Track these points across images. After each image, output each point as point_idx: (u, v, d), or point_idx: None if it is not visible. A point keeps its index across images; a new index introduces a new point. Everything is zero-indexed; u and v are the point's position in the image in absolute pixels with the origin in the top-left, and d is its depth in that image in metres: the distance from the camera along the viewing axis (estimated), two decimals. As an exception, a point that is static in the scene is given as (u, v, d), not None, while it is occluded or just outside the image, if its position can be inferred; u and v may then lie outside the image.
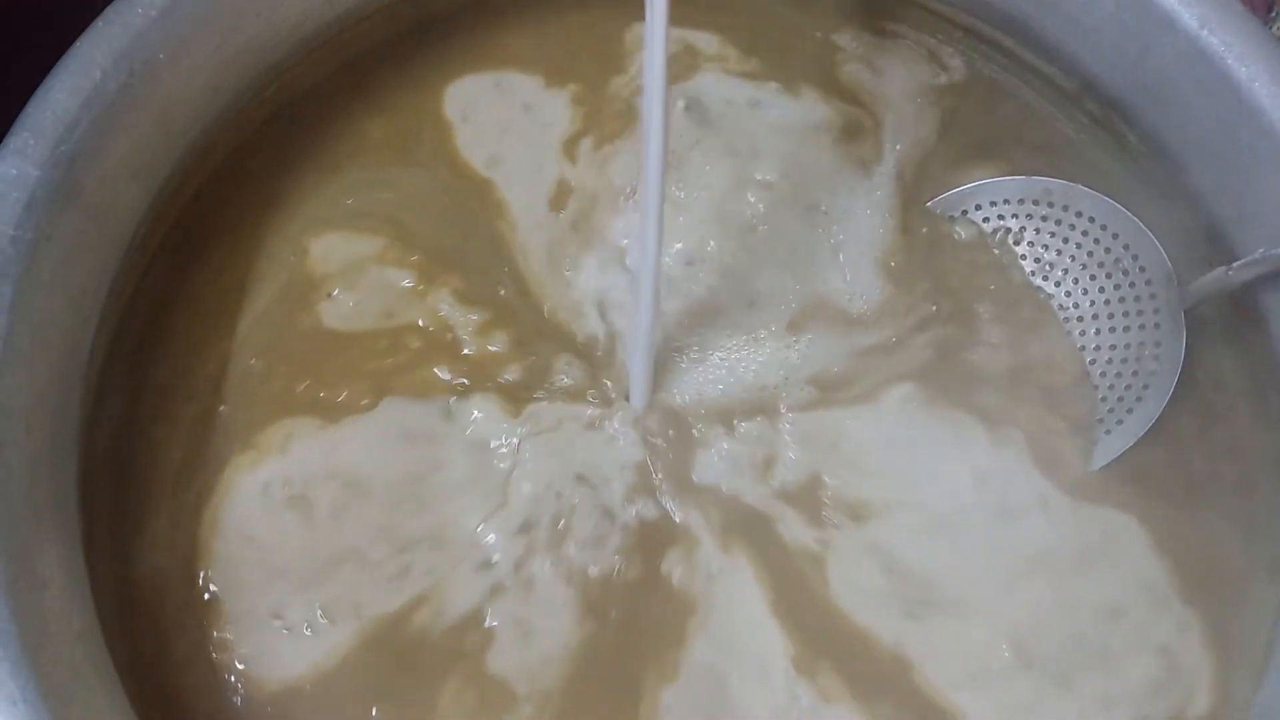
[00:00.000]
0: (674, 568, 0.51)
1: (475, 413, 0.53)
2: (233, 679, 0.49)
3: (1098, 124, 0.59)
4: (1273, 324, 0.53)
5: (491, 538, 0.51)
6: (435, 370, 0.54)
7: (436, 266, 0.56)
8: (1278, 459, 0.53)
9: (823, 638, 0.49)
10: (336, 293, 0.56)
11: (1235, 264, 0.51)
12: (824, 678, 0.48)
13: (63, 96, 0.48)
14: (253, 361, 0.54)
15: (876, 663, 0.49)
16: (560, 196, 0.59)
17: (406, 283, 0.56)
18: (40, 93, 0.48)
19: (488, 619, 0.49)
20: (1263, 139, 0.51)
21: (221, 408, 0.53)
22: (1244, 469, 0.53)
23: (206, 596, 0.50)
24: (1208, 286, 0.53)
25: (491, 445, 0.53)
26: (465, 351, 0.55)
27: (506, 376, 0.54)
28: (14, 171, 0.46)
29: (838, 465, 0.53)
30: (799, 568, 0.51)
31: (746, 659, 0.49)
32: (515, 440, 0.53)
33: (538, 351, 0.55)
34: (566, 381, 0.54)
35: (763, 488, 0.52)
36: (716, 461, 0.53)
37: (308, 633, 0.49)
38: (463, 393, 0.54)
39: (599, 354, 0.55)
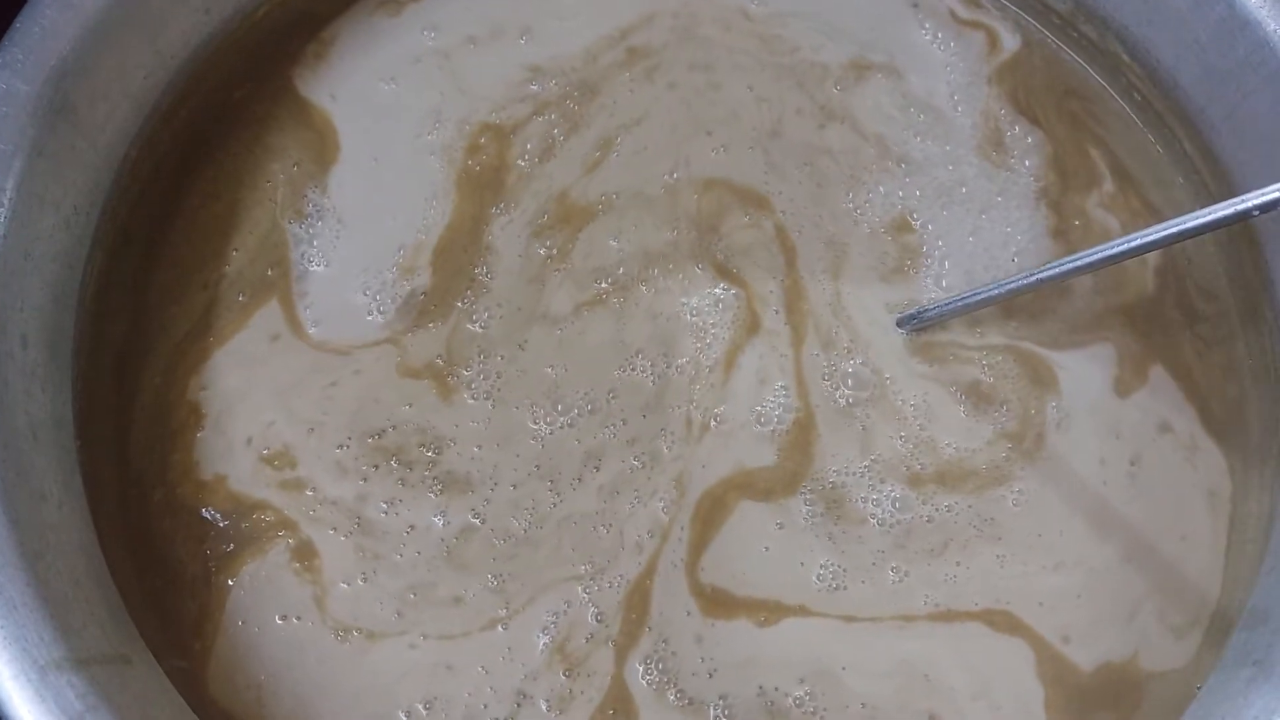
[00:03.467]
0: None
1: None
2: (234, 600, 0.49)
3: (1094, 46, 0.59)
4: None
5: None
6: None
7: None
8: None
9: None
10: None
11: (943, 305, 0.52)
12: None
13: (51, 12, 0.48)
14: (240, 298, 0.54)
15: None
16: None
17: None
18: (29, 8, 0.48)
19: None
20: (1258, 51, 0.50)
21: (211, 338, 0.53)
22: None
23: (205, 516, 0.50)
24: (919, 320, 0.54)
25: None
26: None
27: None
28: (3, 86, 0.47)
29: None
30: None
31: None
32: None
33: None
34: None
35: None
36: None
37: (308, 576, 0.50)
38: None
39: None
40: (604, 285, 0.54)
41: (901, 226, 0.56)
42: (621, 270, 0.55)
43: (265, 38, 0.58)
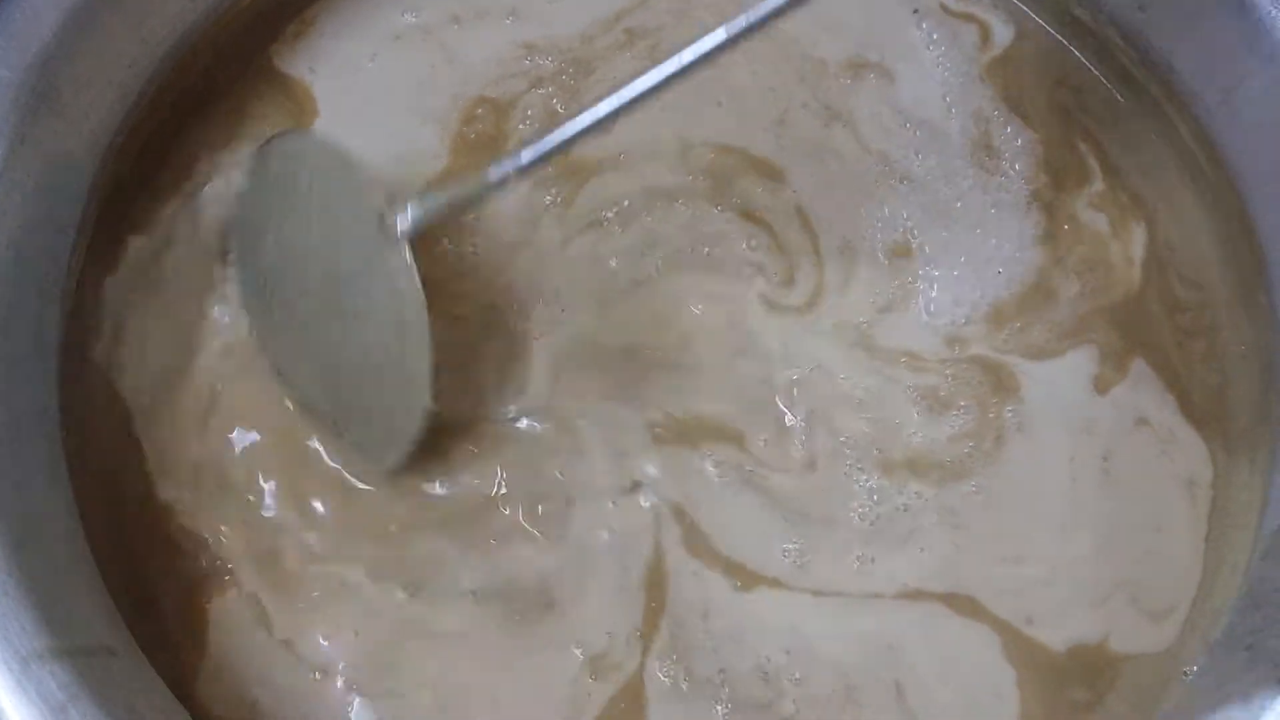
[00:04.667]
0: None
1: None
2: (218, 596, 0.49)
3: (1088, 31, 0.58)
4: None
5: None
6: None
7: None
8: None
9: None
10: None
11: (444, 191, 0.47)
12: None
13: (35, -1, 0.48)
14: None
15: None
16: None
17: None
18: (12, -6, 0.48)
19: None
20: (1254, 33, 0.50)
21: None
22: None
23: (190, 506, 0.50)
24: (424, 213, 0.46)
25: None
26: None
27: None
28: (-15, 73, 0.46)
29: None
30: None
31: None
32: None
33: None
34: None
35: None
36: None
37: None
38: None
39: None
40: (608, 214, 0.54)
41: (901, 250, 0.55)
42: (627, 203, 0.54)
43: (253, 22, 0.57)
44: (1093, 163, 0.57)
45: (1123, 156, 0.57)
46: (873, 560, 0.50)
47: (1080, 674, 0.49)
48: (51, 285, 0.49)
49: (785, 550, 0.50)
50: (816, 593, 0.49)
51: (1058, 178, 0.56)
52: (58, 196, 0.49)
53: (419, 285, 0.45)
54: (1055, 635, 0.49)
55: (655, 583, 0.49)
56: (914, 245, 0.55)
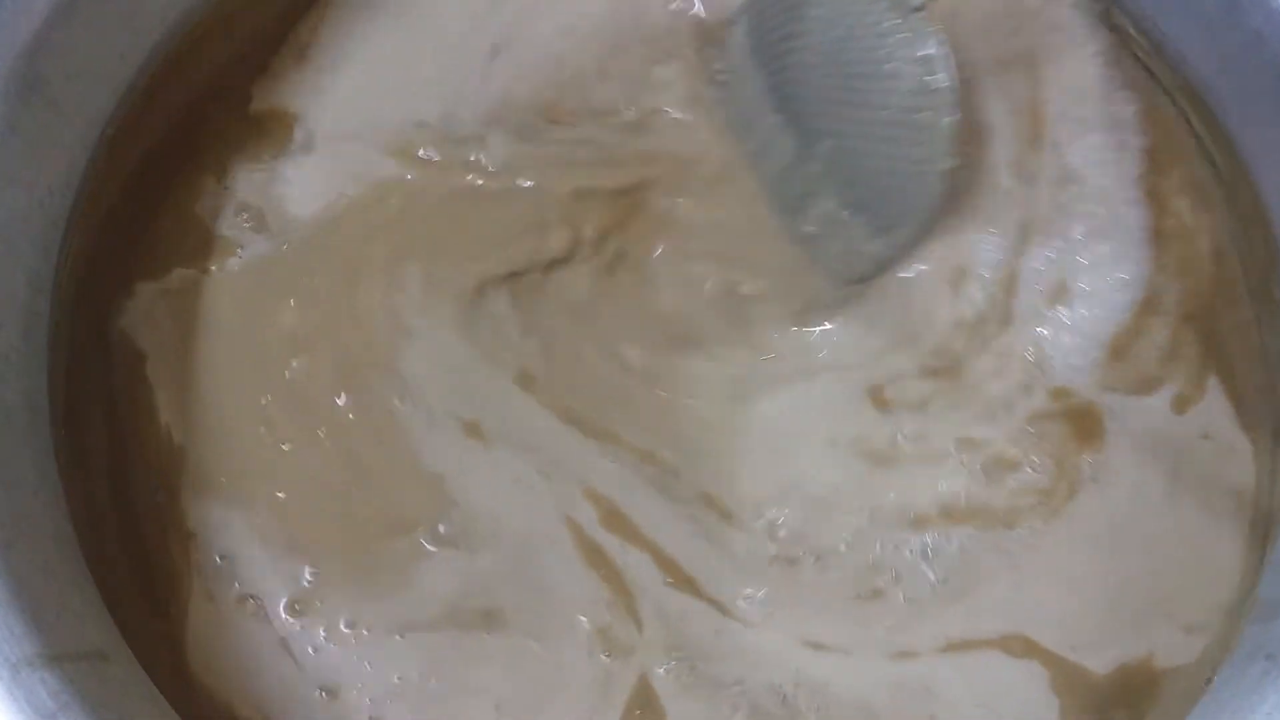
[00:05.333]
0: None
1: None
2: (207, 585, 0.48)
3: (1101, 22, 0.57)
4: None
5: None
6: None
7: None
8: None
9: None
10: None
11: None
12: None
13: (22, -15, 0.47)
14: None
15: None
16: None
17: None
18: (-2, -19, 0.47)
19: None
20: (1268, 24, 0.49)
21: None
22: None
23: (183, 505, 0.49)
24: None
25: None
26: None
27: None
28: (-27, 62, 0.45)
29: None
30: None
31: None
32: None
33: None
34: None
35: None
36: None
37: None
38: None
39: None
40: None
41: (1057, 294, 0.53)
42: None
43: (256, 25, 0.56)
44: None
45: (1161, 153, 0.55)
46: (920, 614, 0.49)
47: (1122, 694, 0.48)
48: (41, 279, 0.48)
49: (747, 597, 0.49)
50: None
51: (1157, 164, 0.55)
52: (48, 189, 0.48)
53: (947, 44, 0.47)
54: (1099, 659, 0.48)
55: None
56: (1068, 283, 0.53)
